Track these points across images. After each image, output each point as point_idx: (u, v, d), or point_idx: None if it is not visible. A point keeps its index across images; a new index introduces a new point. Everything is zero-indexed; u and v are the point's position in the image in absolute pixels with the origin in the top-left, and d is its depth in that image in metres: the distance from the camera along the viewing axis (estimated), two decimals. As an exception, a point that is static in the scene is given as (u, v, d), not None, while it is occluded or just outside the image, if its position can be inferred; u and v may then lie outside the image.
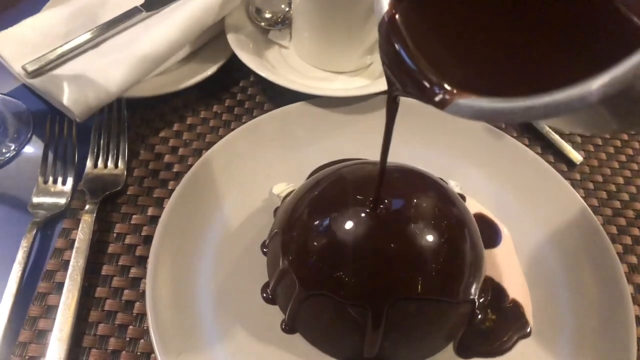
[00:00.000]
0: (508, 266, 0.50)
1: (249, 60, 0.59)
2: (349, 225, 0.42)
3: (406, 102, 0.57)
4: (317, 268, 0.43)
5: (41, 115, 0.58)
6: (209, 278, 0.47)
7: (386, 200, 0.43)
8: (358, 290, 0.41)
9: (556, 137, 0.62)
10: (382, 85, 0.59)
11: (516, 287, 0.49)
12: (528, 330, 0.47)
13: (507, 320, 0.47)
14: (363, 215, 0.43)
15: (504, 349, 0.46)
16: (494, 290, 0.49)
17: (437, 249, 0.42)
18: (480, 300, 0.47)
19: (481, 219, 0.53)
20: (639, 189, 0.59)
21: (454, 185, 0.55)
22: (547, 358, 0.45)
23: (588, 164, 0.61)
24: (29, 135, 0.57)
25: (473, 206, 0.54)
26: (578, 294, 0.49)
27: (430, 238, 0.42)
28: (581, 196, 0.53)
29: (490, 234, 0.52)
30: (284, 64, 0.64)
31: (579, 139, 0.64)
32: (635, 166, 0.62)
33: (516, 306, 0.48)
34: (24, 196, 0.52)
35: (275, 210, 0.52)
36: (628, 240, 0.55)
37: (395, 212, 0.43)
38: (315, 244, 0.43)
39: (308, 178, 0.54)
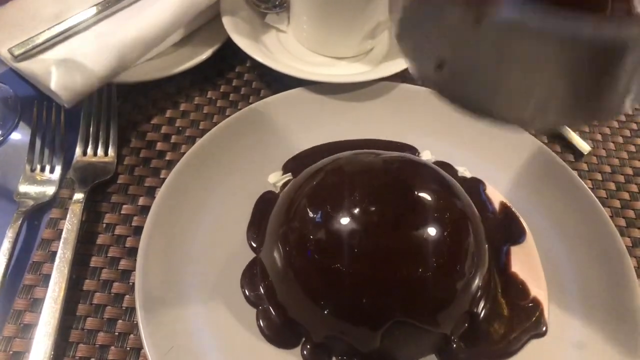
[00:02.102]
0: (530, 263, 0.49)
1: (245, 45, 0.57)
2: (350, 223, 0.41)
3: (421, 92, 0.57)
4: (317, 265, 0.41)
5: (29, 101, 0.56)
6: (200, 271, 0.45)
7: (386, 196, 0.42)
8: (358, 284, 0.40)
9: (563, 126, 0.60)
10: (383, 71, 0.57)
11: (537, 286, 0.47)
12: (544, 329, 0.45)
13: (522, 318, 0.45)
14: (363, 212, 0.41)
15: (512, 350, 0.44)
16: (516, 287, 0.47)
17: (437, 245, 0.41)
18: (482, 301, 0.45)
19: (505, 211, 0.52)
20: (649, 180, 0.58)
21: (463, 171, 0.54)
22: (554, 357, 0.44)
23: (596, 154, 0.59)
24: (15, 121, 0.55)
25: (495, 196, 0.52)
26: (586, 289, 0.47)
27: (430, 233, 0.41)
28: (589, 187, 0.51)
29: (514, 229, 0.51)
30: (281, 49, 0.62)
31: (586, 128, 0.62)
32: (644, 156, 0.60)
33: (536, 305, 0.46)
34: (10, 185, 0.50)
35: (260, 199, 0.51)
36: (637, 233, 0.54)
37: (397, 210, 0.42)
38: (316, 240, 0.42)
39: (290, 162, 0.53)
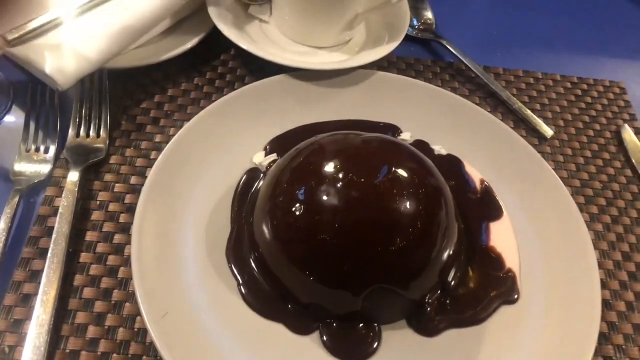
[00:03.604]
0: (506, 238, 0.52)
1: (230, 33, 0.60)
2: (332, 198, 0.44)
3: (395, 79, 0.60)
4: (303, 237, 0.45)
5: (21, 86, 0.58)
6: (192, 242, 0.48)
7: (365, 174, 0.45)
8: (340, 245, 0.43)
9: (528, 112, 0.64)
10: (360, 59, 0.61)
11: (512, 259, 0.51)
12: (515, 296, 0.49)
13: (496, 287, 0.49)
14: (343, 187, 0.44)
15: (483, 317, 0.47)
16: (493, 259, 0.51)
17: (412, 218, 0.44)
18: (453, 270, 0.49)
19: (484, 189, 0.56)
20: (605, 162, 0.62)
21: (439, 148, 0.58)
22: (519, 324, 0.47)
23: (558, 137, 0.64)
24: (8, 105, 0.57)
25: (474, 174, 0.56)
26: (550, 261, 0.51)
27: (406, 207, 0.44)
28: (552, 168, 0.56)
29: (492, 206, 0.55)
30: (264, 38, 0.65)
31: (549, 114, 0.66)
32: (602, 140, 0.64)
33: (510, 275, 0.50)
34: (6, 164, 0.52)
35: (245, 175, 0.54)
36: (594, 209, 0.58)
37: (375, 185, 0.45)
38: (301, 213, 0.44)
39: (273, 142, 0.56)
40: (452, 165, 0.57)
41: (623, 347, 0.49)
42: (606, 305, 0.51)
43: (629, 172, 0.62)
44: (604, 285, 0.52)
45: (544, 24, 0.79)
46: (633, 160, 0.62)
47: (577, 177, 0.61)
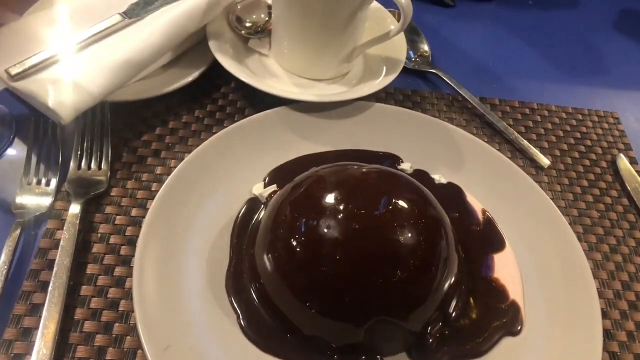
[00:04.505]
0: (510, 269, 0.53)
1: (230, 66, 0.61)
2: (334, 229, 0.44)
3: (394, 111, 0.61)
4: (304, 270, 0.45)
5: (24, 119, 0.58)
6: (193, 274, 0.48)
7: (366, 206, 0.45)
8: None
9: (525, 142, 0.65)
10: (359, 91, 0.61)
11: (516, 290, 0.51)
12: (519, 328, 0.48)
13: (499, 318, 0.49)
14: (344, 220, 0.44)
15: (484, 349, 0.47)
16: (497, 291, 0.51)
17: (413, 250, 0.45)
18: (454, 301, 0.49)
19: (486, 221, 0.56)
20: (602, 191, 0.63)
21: (439, 177, 0.58)
22: (521, 356, 0.47)
23: (555, 167, 0.65)
24: (11, 138, 0.57)
25: (476, 204, 0.57)
26: (549, 290, 0.51)
27: (406, 239, 0.45)
28: (550, 198, 0.56)
29: (495, 238, 0.55)
30: (264, 71, 0.66)
31: (546, 144, 0.67)
32: (598, 169, 0.65)
33: (515, 307, 0.50)
34: (8, 197, 0.52)
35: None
36: (593, 239, 0.58)
37: (375, 218, 0.45)
38: (302, 248, 0.45)
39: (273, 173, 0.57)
40: (454, 195, 0.57)
41: (626, 377, 0.49)
42: (607, 335, 0.51)
43: (625, 201, 0.62)
44: (604, 314, 0.52)
45: (538, 56, 0.81)
46: (629, 189, 0.63)
47: (574, 206, 0.61)
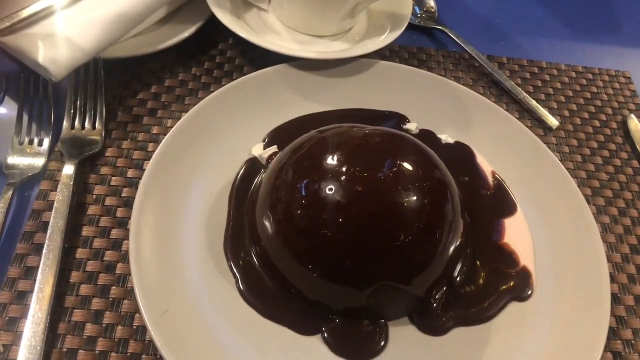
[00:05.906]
0: (521, 234, 0.51)
1: (228, 21, 0.58)
2: (337, 192, 0.42)
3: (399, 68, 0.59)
4: (305, 233, 0.43)
5: (13, 76, 0.56)
6: (191, 237, 0.47)
7: (369, 168, 0.44)
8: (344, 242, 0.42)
9: (533, 103, 0.63)
10: (362, 48, 0.59)
11: (527, 255, 0.50)
12: (529, 292, 0.47)
13: (507, 283, 0.48)
14: (347, 182, 0.43)
15: (490, 314, 0.46)
16: (506, 256, 0.50)
17: (417, 213, 0.43)
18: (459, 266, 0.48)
19: (497, 185, 0.54)
20: (612, 153, 0.61)
21: (445, 137, 0.56)
22: (528, 320, 0.46)
23: (564, 128, 0.63)
24: (1, 96, 0.55)
25: (485, 166, 0.55)
26: (557, 254, 0.50)
27: (410, 201, 0.43)
28: (558, 160, 0.54)
29: (506, 202, 0.53)
30: (263, 27, 0.64)
31: (554, 104, 0.65)
32: (608, 131, 0.63)
33: (526, 272, 0.49)
34: (-1, 158, 0.51)
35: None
36: (601, 201, 0.57)
37: (379, 180, 0.43)
38: (304, 210, 0.43)
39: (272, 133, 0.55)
40: (463, 157, 0.56)
41: (632, 342, 0.48)
42: (615, 299, 0.51)
43: (636, 163, 0.61)
44: (612, 278, 0.51)
45: (547, 12, 0.78)
46: (640, 151, 0.61)
47: (583, 168, 0.60)
